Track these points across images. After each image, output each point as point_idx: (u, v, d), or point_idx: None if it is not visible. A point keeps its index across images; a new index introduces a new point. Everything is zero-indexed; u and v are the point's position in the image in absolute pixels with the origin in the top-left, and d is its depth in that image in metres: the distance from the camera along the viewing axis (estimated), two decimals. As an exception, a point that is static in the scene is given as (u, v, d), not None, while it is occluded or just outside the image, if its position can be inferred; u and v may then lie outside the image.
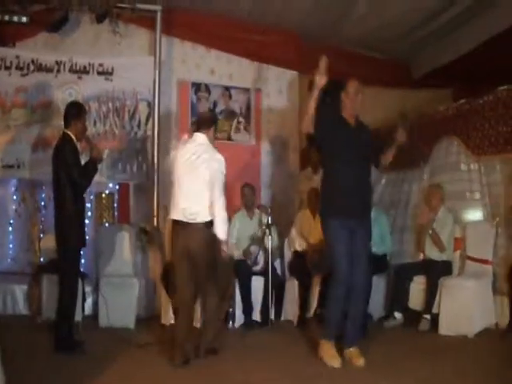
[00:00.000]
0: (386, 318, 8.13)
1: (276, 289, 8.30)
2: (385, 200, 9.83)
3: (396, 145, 6.43)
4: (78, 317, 7.34)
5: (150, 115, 9.70)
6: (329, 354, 6.13)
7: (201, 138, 6.51)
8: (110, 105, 9.59)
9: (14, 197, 9.84)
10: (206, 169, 6.30)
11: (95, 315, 8.27)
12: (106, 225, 9.64)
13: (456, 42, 9.97)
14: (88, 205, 9.04)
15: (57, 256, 6.91)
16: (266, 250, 8.39)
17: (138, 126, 9.71)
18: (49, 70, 9.39)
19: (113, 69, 9.62)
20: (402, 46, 10.79)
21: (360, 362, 6.06)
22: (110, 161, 9.25)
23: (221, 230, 6.29)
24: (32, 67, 9.34)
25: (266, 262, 8.34)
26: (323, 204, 6.45)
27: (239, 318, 8.26)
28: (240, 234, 8.77)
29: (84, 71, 9.53)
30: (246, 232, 8.76)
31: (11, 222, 9.83)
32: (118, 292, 8.15)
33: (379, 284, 8.24)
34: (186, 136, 6.77)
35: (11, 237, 9.83)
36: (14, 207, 9.83)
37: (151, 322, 8.39)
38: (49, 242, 8.09)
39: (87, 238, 7.06)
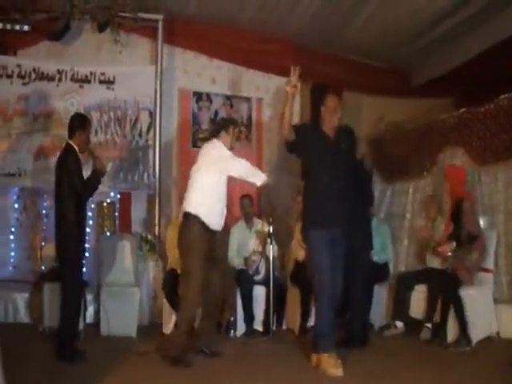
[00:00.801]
0: (387, 326, 8.13)
1: (277, 298, 8.29)
2: (391, 210, 9.89)
3: None
4: (79, 325, 7.37)
5: (151, 124, 9.72)
6: (329, 364, 6.14)
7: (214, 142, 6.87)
8: (112, 114, 9.61)
9: (16, 205, 9.82)
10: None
11: (97, 324, 8.26)
12: (108, 234, 9.60)
13: (457, 51, 10.00)
14: (89, 214, 9.03)
15: (57, 264, 6.92)
16: (267, 260, 8.39)
17: (140, 135, 9.73)
18: (50, 78, 9.41)
19: (114, 78, 9.64)
20: (402, 55, 10.81)
21: None
22: (112, 170, 9.23)
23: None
24: (33, 76, 9.36)
25: (268, 272, 8.34)
26: (304, 216, 6.52)
27: (240, 326, 8.25)
28: (240, 245, 8.76)
29: (85, 80, 9.55)
30: (246, 242, 8.77)
31: (13, 230, 9.82)
32: (120, 301, 8.13)
33: (380, 293, 8.25)
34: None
35: (13, 245, 9.81)
36: (15, 215, 9.82)
37: (153, 331, 8.37)
38: (50, 250, 8.08)
39: (87, 246, 7.06)
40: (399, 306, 8.14)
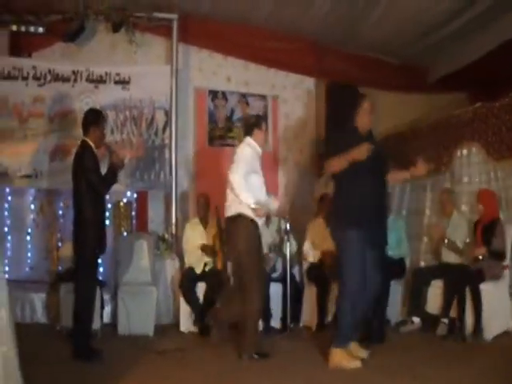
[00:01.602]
0: (404, 322, 8.09)
1: (294, 295, 8.29)
2: (410, 206, 9.84)
3: (411, 175, 6.58)
4: (96, 325, 7.40)
5: (167, 123, 9.73)
6: (344, 358, 6.15)
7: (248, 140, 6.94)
8: (128, 113, 9.63)
9: (32, 206, 9.91)
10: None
11: (114, 323, 8.30)
12: (124, 233, 9.64)
13: (471, 46, 9.92)
14: (106, 213, 9.07)
15: (73, 263, 6.94)
16: (284, 257, 8.38)
17: (156, 134, 9.74)
18: (65, 79, 9.47)
19: (129, 78, 9.66)
20: (417, 51, 10.75)
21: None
22: (128, 169, 9.22)
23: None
24: (49, 77, 9.42)
25: (285, 269, 8.33)
26: (338, 215, 6.47)
27: (258, 324, 8.27)
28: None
29: (101, 80, 9.59)
30: (264, 239, 8.74)
31: (29, 231, 9.91)
32: (137, 300, 8.14)
33: (396, 289, 8.21)
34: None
35: (29, 246, 9.91)
36: (32, 216, 9.90)
37: (170, 330, 8.40)
38: (67, 250, 8.17)
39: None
40: (416, 301, 8.08)
